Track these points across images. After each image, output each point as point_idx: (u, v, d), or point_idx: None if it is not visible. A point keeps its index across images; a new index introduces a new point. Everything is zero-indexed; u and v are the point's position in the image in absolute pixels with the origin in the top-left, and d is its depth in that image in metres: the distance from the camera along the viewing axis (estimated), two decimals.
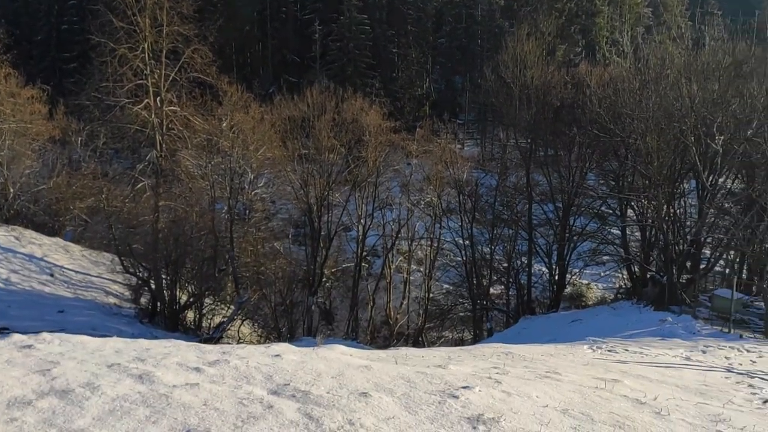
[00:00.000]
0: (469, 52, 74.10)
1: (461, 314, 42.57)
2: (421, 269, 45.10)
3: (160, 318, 30.60)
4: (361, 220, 41.07)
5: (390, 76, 70.98)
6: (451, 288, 44.19)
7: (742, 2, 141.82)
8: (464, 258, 41.52)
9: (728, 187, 35.77)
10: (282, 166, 38.60)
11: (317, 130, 39.27)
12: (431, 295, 42.24)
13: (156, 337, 18.76)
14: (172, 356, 8.34)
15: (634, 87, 35.48)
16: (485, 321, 40.29)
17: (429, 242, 44.13)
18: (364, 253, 42.84)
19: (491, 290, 42.15)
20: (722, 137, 29.39)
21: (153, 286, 30.69)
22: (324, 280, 40.58)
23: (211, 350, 9.15)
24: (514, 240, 40.70)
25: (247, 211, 38.59)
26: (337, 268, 43.94)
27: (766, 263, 27.50)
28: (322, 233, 38.77)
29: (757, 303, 28.15)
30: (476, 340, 36.27)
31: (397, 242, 42.91)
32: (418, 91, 71.06)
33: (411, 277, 44.19)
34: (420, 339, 38.94)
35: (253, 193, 38.35)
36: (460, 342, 37.97)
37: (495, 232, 40.87)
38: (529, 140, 45.16)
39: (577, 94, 44.70)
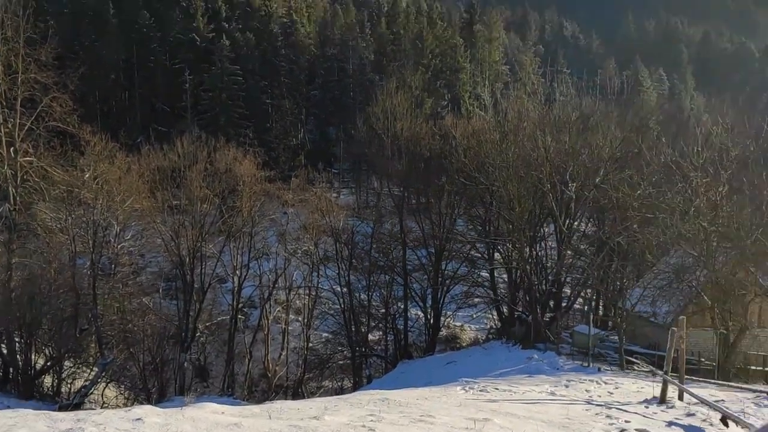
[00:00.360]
0: (342, 104, 75.81)
1: (341, 362, 42.35)
2: (300, 319, 44.59)
3: (12, 385, 27.95)
4: (237, 271, 40.14)
5: (264, 126, 70.88)
6: (330, 336, 43.96)
7: (587, 62, 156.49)
8: (342, 305, 41.61)
9: (582, 229, 38.80)
10: (151, 218, 37.08)
11: (189, 180, 38.28)
12: (310, 344, 41.78)
13: (8, 407, 17.13)
14: (17, 429, 7.68)
15: (496, 138, 37.88)
16: (364, 368, 40.36)
17: (307, 291, 43.86)
18: (240, 305, 41.75)
19: (370, 336, 42.40)
20: (575, 184, 31.98)
21: (4, 351, 28.07)
22: (198, 334, 39.00)
23: (64, 418, 8.49)
24: (391, 286, 41.43)
25: (113, 266, 36.52)
26: (212, 322, 42.41)
27: (618, 300, 29.83)
28: (196, 286, 37.42)
29: (612, 337, 30.39)
30: (356, 387, 36.18)
31: (274, 292, 42.24)
32: (292, 141, 71.43)
33: (289, 327, 43.53)
34: (300, 390, 38.22)
35: (119, 246, 36.43)
36: (340, 391, 37.67)
37: (372, 278, 41.41)
38: (401, 188, 46.61)
39: (445, 144, 46.96)
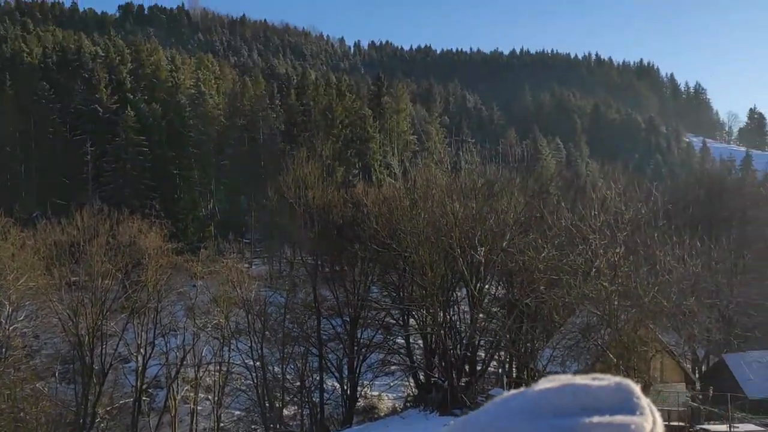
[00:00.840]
0: (253, 174, 75.38)
1: None
2: (210, 397, 42.52)
3: None
4: (141, 349, 38.11)
5: (171, 197, 69.18)
6: (243, 414, 42.09)
7: (489, 132, 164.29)
8: (255, 380, 40.12)
9: (493, 292, 39.71)
10: (47, 296, 34.87)
11: (89, 254, 36.51)
12: (221, 424, 39.81)
13: None
14: None
15: (406, 205, 38.64)
16: None
17: (217, 367, 42.05)
18: (145, 386, 39.48)
19: (284, 412, 40.93)
20: (483, 248, 32.91)
21: None
22: (98, 420, 36.35)
23: None
24: (306, 357, 40.48)
25: (4, 350, 33.81)
26: (113, 406, 39.70)
27: (530, 361, 30.42)
28: (96, 367, 35.17)
29: None
30: None
31: (182, 370, 40.28)
32: (201, 211, 70.03)
33: (198, 407, 41.35)
34: None
35: (11, 328, 33.86)
36: None
37: (286, 350, 40.35)
38: (314, 257, 46.30)
39: (357, 212, 47.32)
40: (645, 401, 0.76)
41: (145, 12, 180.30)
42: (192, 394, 41.70)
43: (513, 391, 0.85)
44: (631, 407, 0.75)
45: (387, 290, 43.23)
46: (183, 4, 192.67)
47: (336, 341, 41.89)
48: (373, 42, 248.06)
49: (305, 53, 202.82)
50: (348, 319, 40.45)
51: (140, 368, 38.10)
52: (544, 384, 0.85)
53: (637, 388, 0.78)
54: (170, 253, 41.48)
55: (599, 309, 26.35)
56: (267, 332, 41.15)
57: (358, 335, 40.34)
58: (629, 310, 26.21)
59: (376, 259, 40.34)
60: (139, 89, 76.77)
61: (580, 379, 0.84)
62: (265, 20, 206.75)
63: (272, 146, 77.20)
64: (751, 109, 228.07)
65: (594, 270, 26.81)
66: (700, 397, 30.60)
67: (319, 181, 49.20)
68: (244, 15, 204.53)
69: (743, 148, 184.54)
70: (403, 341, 40.77)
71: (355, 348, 39.84)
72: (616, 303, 26.08)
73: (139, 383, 37.94)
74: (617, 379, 0.80)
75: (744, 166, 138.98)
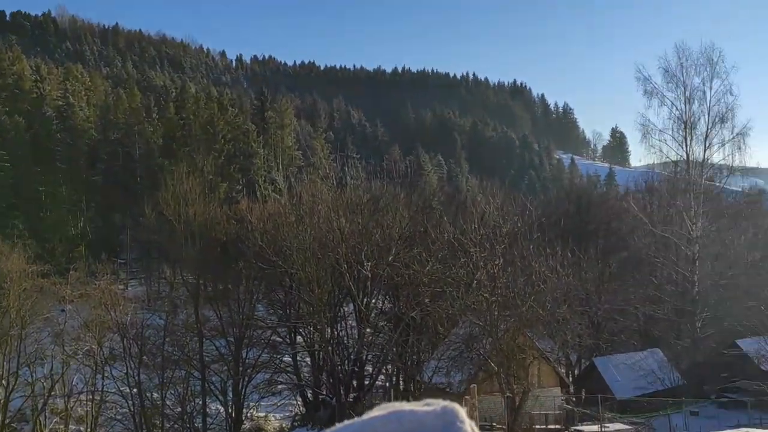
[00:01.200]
0: (128, 190, 71.81)
1: None
2: (82, 429, 39.70)
3: None
4: (3, 381, 35.03)
5: (37, 215, 64.41)
6: None
7: (374, 148, 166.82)
8: (132, 408, 37.91)
9: (380, 307, 40.06)
10: None
11: None
12: None
13: None
14: None
15: (292, 221, 38.24)
16: None
17: (90, 396, 39.35)
18: (8, 420, 36.30)
19: None
20: (370, 263, 33.16)
21: None
22: None
23: None
24: (187, 381, 38.79)
25: None
26: None
27: (416, 373, 30.90)
28: None
29: None
30: None
31: (50, 401, 37.36)
32: (71, 230, 65.63)
33: None
34: None
35: None
36: None
37: (165, 375, 38.46)
38: (196, 276, 44.65)
39: (241, 229, 46.27)
40: (468, 424, 0.78)
41: (7, 18, 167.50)
42: (62, 426, 38.77)
43: (345, 421, 0.86)
44: (453, 431, 0.76)
45: (273, 308, 42.45)
46: (50, 11, 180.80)
47: (220, 363, 40.49)
48: (255, 56, 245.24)
49: (184, 66, 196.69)
50: (232, 340, 39.24)
51: (2, 401, 34.99)
52: (374, 412, 0.86)
53: (462, 412, 0.78)
54: (35, 276, 38.56)
55: (481, 319, 27.26)
56: (145, 357, 39.07)
57: (244, 355, 39.21)
58: (508, 320, 27.31)
59: (262, 277, 39.54)
60: (0, 100, 71.14)
61: (410, 406, 0.84)
62: (140, 30, 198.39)
63: (149, 161, 74.00)
64: (613, 128, 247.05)
65: (475, 282, 27.76)
66: (574, 399, 32.41)
67: (201, 197, 47.63)
68: (117, 24, 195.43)
69: (607, 165, 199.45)
70: (290, 359, 40.12)
71: (240, 369, 38.69)
72: (496, 313, 27.08)
73: (1, 418, 34.81)
74: (445, 403, 0.81)
75: (608, 181, 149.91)
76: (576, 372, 40.47)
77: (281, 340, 40.62)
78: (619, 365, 35.51)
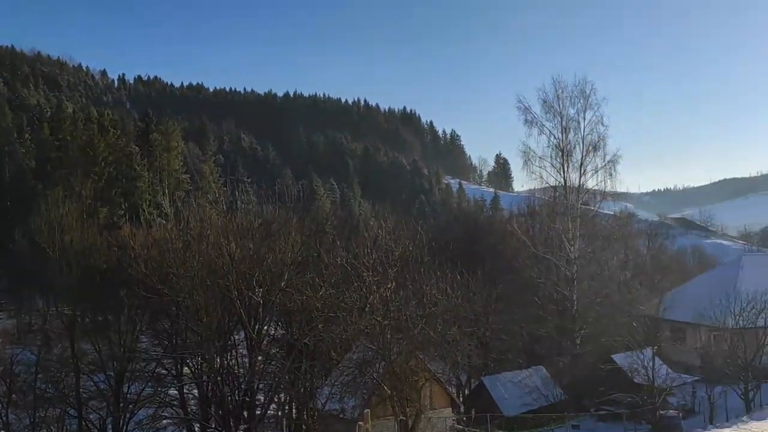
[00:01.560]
0: None
1: None
2: None
3: None
4: None
5: None
6: None
7: (266, 171, 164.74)
8: None
9: (272, 334, 39.22)
10: None
11: None
12: None
13: None
14: None
15: (178, 247, 36.81)
16: None
17: None
18: None
19: None
20: (261, 289, 32.45)
21: None
22: None
23: None
24: (62, 420, 36.04)
25: None
26: None
27: (309, 401, 30.42)
28: None
29: None
30: None
31: None
32: None
33: None
34: None
35: None
36: None
37: (38, 414, 35.53)
38: (73, 307, 41.90)
39: (123, 256, 43.99)
40: None
41: None
42: None
43: None
44: None
45: (158, 339, 40.44)
46: None
47: (99, 399, 37.91)
48: (140, 76, 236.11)
49: (61, 84, 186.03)
50: (112, 374, 36.94)
51: None
52: None
53: None
54: None
55: (374, 343, 27.31)
56: (14, 395, 35.99)
57: (125, 390, 36.96)
58: (401, 343, 27.52)
59: (146, 306, 37.61)
60: None
61: None
62: (12, 46, 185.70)
63: (21, 185, 69.09)
64: (497, 155, 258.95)
65: (368, 306, 27.83)
66: (464, 419, 33.08)
67: (78, 223, 45.01)
68: None
69: (492, 189, 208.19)
70: (176, 392, 38.25)
71: (122, 405, 36.40)
72: (389, 336, 27.22)
73: None
74: None
75: (493, 205, 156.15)
76: (466, 392, 41.44)
77: (167, 372, 38.70)
78: (506, 383, 36.73)
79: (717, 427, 23.70)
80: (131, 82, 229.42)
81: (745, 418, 25.67)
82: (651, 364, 32.68)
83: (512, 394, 35.68)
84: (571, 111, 43.75)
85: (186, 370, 37.36)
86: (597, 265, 45.17)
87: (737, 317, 35.63)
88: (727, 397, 32.45)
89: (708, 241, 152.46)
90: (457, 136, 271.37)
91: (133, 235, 47.80)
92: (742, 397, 32.45)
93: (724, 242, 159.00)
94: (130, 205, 75.23)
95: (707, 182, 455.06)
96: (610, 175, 43.93)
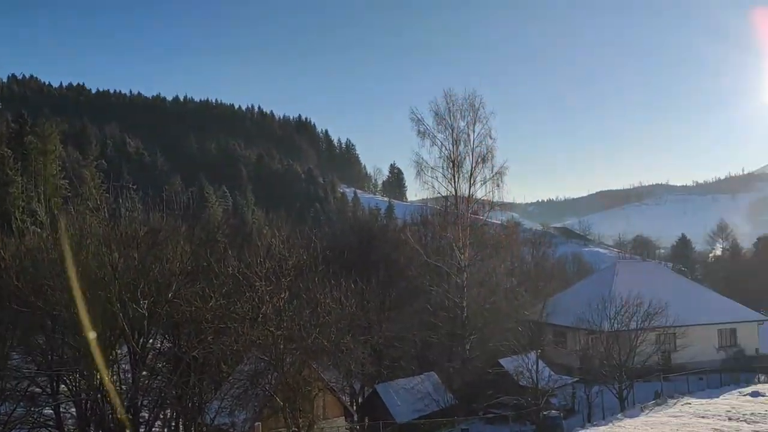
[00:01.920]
0: None
1: None
2: None
3: None
4: None
5: None
6: None
7: (153, 178, 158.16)
8: None
9: (158, 347, 37.51)
10: None
11: None
12: None
13: None
14: None
15: (54, 258, 34.51)
16: None
17: None
18: None
19: None
20: (147, 301, 30.96)
21: None
22: None
23: None
24: None
25: None
26: None
27: (197, 416, 29.34)
28: None
29: None
30: None
31: None
32: None
33: None
34: None
35: None
36: None
37: None
38: None
39: None
40: None
41: None
42: None
43: None
44: None
45: (32, 355, 37.60)
46: None
47: None
48: (14, 75, 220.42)
49: None
50: None
51: None
52: None
53: None
54: None
55: (266, 354, 26.81)
56: None
57: None
58: (294, 353, 27.19)
59: (18, 321, 34.89)
60: None
61: None
62: None
63: None
64: (391, 164, 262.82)
65: (261, 316, 27.29)
66: (357, 428, 33.11)
67: None
68: None
69: (386, 199, 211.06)
70: (51, 412, 35.69)
71: None
72: (282, 347, 26.82)
73: None
74: None
75: (388, 214, 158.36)
76: (360, 400, 41.51)
77: (41, 390, 36.04)
78: (399, 390, 37.13)
79: (594, 426, 25.06)
80: (3, 80, 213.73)
81: (619, 416, 27.29)
82: (535, 367, 34.22)
83: (405, 401, 36.12)
84: (462, 123, 45.24)
85: (63, 387, 34.99)
86: (485, 272, 46.81)
87: (612, 321, 37.99)
88: (603, 396, 34.51)
89: (587, 249, 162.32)
90: (353, 145, 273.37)
91: (4, 244, 44.30)
92: (617, 396, 34.58)
93: (601, 250, 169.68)
94: (1, 212, 69.91)
95: (586, 193, 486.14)
96: (498, 185, 45.79)
